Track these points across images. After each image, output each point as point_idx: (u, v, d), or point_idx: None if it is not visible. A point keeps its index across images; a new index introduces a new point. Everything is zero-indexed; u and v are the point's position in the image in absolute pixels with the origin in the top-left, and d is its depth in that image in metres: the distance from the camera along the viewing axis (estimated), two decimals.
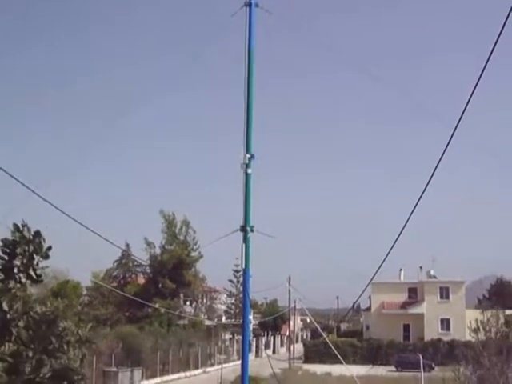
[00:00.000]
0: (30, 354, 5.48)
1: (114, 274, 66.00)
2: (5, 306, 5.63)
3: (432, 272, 71.08)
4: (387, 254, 12.01)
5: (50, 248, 6.26)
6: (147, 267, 65.94)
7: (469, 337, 27.67)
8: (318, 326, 52.22)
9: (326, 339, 51.41)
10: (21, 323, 5.83)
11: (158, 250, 63.91)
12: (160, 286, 61.87)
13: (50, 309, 6.82)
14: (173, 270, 61.51)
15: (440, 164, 9.67)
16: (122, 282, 64.94)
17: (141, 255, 64.50)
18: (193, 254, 63.51)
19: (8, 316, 5.68)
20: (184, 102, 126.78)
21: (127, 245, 59.49)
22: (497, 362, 15.61)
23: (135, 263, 67.25)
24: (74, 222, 11.08)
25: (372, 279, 16.50)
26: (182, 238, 64.00)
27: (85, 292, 59.28)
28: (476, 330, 20.49)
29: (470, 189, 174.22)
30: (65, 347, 7.42)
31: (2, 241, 5.93)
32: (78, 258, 74.43)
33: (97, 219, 74.16)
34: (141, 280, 66.38)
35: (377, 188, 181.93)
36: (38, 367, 5.43)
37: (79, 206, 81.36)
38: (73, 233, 24.98)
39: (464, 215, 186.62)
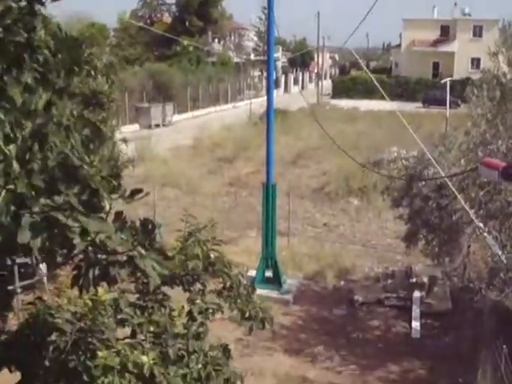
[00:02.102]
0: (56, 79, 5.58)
1: (140, 14, 64.77)
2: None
3: (467, 10, 68.37)
4: None
5: None
6: (173, 5, 64.45)
7: None
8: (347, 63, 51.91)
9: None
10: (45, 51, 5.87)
11: None
12: (187, 24, 60.94)
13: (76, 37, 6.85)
14: (199, 8, 60.10)
15: None
16: (148, 21, 63.92)
17: None
18: None
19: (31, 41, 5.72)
20: None
21: None
22: None
23: (160, 1, 65.65)
24: None
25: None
26: None
27: (112, 34, 58.81)
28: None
29: None
30: (92, 72, 7.60)
31: None
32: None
33: None
34: (167, 19, 65.19)
35: None
36: (65, 86, 5.58)
37: None
38: None
39: None
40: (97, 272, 4.79)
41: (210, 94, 53.15)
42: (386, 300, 12.83)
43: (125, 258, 4.90)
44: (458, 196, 8.70)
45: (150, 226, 4.86)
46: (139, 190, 4.85)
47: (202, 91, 51.43)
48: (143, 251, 4.80)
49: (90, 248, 4.75)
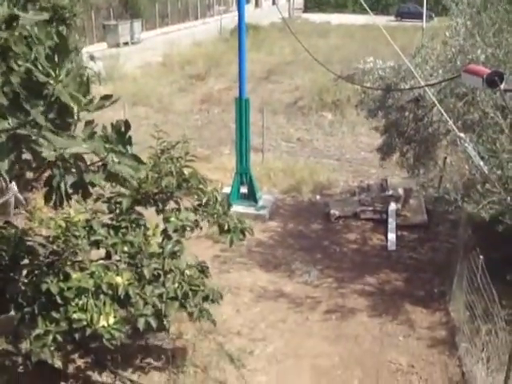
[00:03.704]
0: None
1: None
2: None
3: None
4: None
5: None
6: None
7: None
8: None
9: None
10: None
11: None
12: None
13: None
14: None
15: None
16: None
17: None
18: None
19: None
20: None
21: None
22: None
23: None
24: None
25: None
26: None
27: None
28: None
29: None
30: None
31: None
32: None
33: None
34: None
35: None
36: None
37: None
38: None
39: None
40: (70, 182, 4.57)
41: (178, 10, 51.66)
42: (362, 213, 12.83)
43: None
44: (438, 105, 8.50)
45: (122, 129, 4.62)
46: (109, 96, 4.58)
47: (171, 7, 49.92)
48: (116, 158, 4.58)
49: (59, 163, 4.52)
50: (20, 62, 4.64)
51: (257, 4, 69.57)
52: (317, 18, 52.55)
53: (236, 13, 13.28)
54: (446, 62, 10.33)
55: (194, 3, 54.54)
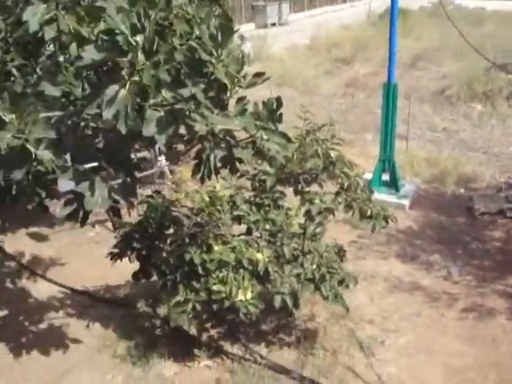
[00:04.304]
0: None
1: None
2: None
3: None
4: None
5: None
6: None
7: None
8: None
9: None
10: None
11: None
12: None
13: None
14: None
15: None
16: None
17: None
18: None
19: None
20: None
21: None
22: None
23: None
24: None
25: None
26: None
27: None
28: None
29: None
30: None
31: None
32: None
33: None
34: None
35: None
36: None
37: None
38: None
39: None
40: (219, 156, 4.70)
41: None
42: (508, 211, 12.19)
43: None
44: None
45: (273, 106, 4.67)
46: (261, 74, 4.65)
47: None
48: (265, 135, 4.65)
49: (210, 137, 4.66)
50: (179, 41, 4.80)
51: None
52: (470, 3, 50.15)
53: None
54: None
55: None
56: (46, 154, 4.43)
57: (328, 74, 24.43)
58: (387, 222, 7.24)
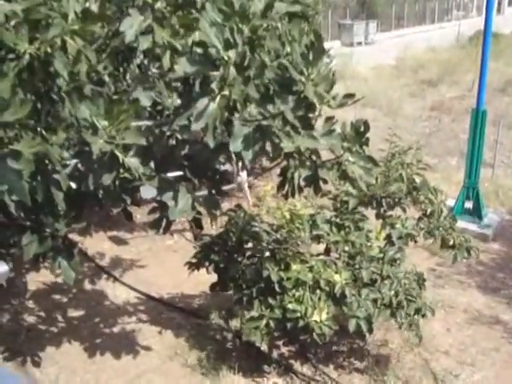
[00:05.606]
0: None
1: None
2: None
3: None
4: None
5: None
6: None
7: None
8: None
9: None
10: None
11: None
12: None
13: None
14: None
15: None
16: None
17: None
18: None
19: None
20: None
21: None
22: None
23: None
24: None
25: None
26: None
27: None
28: None
29: None
30: None
31: None
32: None
33: None
34: None
35: None
36: None
37: None
38: None
39: None
40: (304, 175, 4.66)
41: (415, 13, 50.68)
42: None
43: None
44: None
45: (361, 128, 4.59)
46: (351, 95, 4.59)
47: (408, 9, 49.12)
48: (351, 158, 4.58)
49: (295, 155, 4.62)
50: (268, 57, 4.79)
51: (499, 11, 65.93)
52: None
53: (475, 19, 12.68)
54: None
55: (432, 7, 53.11)
56: (133, 162, 4.50)
57: (413, 96, 24.06)
58: (469, 254, 7.01)
